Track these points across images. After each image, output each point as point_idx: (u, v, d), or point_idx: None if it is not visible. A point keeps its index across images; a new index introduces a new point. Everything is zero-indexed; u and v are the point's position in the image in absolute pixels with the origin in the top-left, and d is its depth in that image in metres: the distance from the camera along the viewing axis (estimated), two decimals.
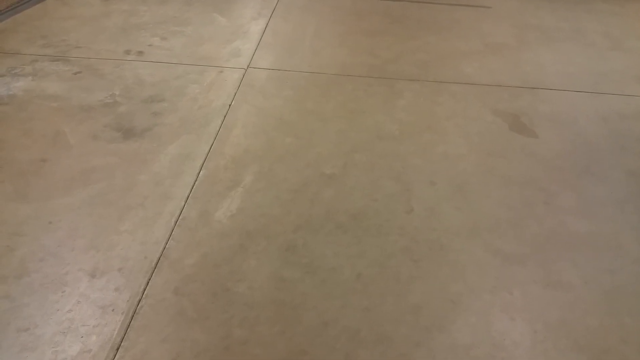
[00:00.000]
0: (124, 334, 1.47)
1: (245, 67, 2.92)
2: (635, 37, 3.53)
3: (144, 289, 1.61)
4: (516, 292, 1.65)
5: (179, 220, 1.86)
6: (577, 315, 1.59)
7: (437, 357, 1.45)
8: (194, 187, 2.02)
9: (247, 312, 1.55)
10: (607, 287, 1.69)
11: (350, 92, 2.73)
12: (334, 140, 2.33)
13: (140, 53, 3.01)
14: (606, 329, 1.55)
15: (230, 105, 2.55)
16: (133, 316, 1.52)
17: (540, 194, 2.07)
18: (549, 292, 1.66)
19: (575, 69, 3.08)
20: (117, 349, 1.43)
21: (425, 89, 2.78)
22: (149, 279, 1.64)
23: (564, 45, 3.38)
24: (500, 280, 1.69)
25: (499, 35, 3.48)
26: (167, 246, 1.76)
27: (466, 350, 1.47)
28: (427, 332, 1.51)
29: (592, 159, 2.29)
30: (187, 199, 1.96)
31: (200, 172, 2.09)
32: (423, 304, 1.60)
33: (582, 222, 1.94)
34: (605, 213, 1.99)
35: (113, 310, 1.54)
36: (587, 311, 1.60)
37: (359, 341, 1.48)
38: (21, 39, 3.09)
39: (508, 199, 2.03)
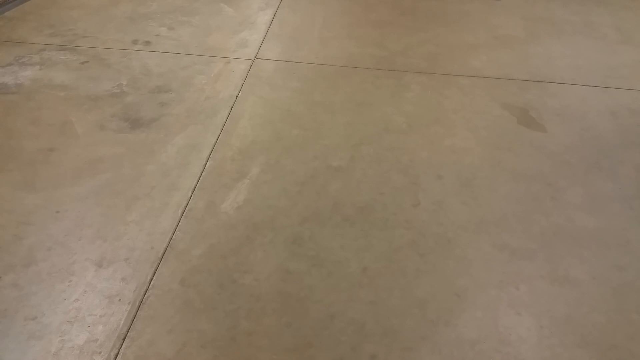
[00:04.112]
0: (131, 324, 1.48)
1: (253, 58, 2.90)
2: None
3: (151, 280, 1.61)
4: (523, 287, 1.65)
5: (185, 211, 1.87)
6: (584, 311, 1.58)
7: (443, 351, 1.45)
8: (201, 178, 2.02)
9: (254, 303, 1.55)
10: (615, 283, 1.68)
11: (358, 84, 2.72)
12: (341, 132, 2.32)
13: (147, 43, 3.01)
14: (613, 325, 1.55)
15: (237, 97, 2.54)
16: (139, 306, 1.53)
17: (548, 188, 2.05)
18: (556, 288, 1.65)
19: (585, 62, 3.05)
20: (124, 339, 1.44)
21: (433, 82, 2.76)
22: (156, 270, 1.64)
23: (574, 38, 3.35)
24: (507, 275, 1.68)
25: (509, 28, 3.44)
26: (173, 237, 1.76)
27: (472, 344, 1.47)
28: (433, 326, 1.51)
29: (601, 154, 2.27)
30: (194, 190, 1.96)
31: (207, 163, 2.09)
32: (429, 298, 1.60)
33: (590, 218, 1.93)
34: (613, 209, 1.98)
35: (120, 300, 1.54)
36: (595, 307, 1.60)
37: (365, 334, 1.48)
38: (29, 28, 3.09)
39: (515, 194, 2.02)
